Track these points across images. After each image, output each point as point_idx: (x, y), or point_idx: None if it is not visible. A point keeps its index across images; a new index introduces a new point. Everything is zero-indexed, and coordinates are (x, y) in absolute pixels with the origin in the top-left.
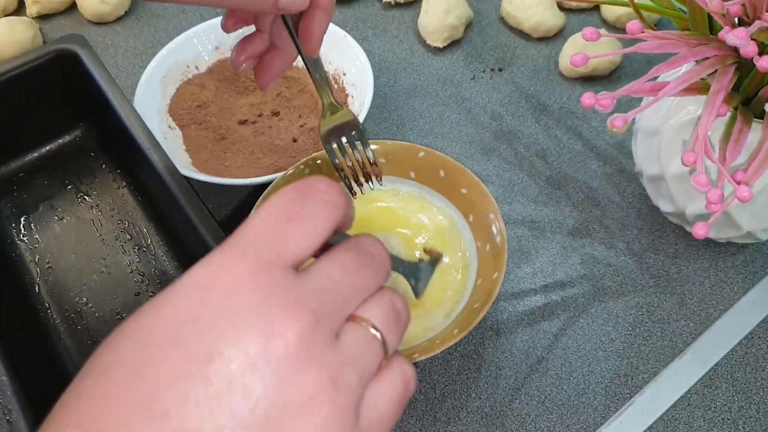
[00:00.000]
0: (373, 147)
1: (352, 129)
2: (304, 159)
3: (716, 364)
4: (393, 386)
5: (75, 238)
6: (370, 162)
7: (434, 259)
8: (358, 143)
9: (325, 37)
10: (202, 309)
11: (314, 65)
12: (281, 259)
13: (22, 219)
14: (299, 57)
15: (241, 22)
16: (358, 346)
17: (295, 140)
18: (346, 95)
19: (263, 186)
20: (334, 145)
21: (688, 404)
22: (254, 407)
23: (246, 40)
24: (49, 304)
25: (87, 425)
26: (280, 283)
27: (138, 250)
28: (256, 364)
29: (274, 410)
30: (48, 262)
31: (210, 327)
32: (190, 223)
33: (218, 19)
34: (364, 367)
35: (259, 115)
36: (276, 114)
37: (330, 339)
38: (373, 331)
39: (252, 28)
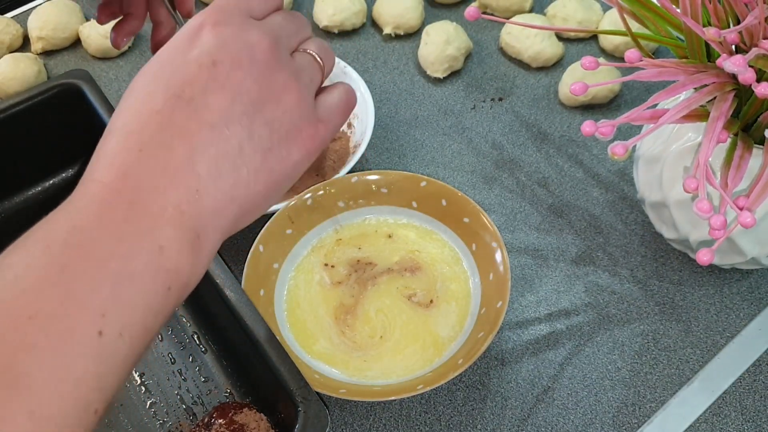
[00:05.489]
0: (374, 177)
1: None
2: (306, 189)
3: (724, 392)
4: (339, 93)
5: None
6: None
7: None
8: None
9: None
10: (193, 45)
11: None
12: (248, 11)
13: None
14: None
15: (113, 15)
16: (305, 61)
17: None
18: (348, 125)
19: (266, 216)
20: None
21: None
22: (249, 88)
23: (123, 22)
24: None
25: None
26: (250, 20)
27: None
28: (245, 65)
29: (263, 91)
30: None
31: (210, 49)
32: None
33: None
34: (312, 74)
35: None
36: None
37: (288, 54)
38: (313, 53)
39: None
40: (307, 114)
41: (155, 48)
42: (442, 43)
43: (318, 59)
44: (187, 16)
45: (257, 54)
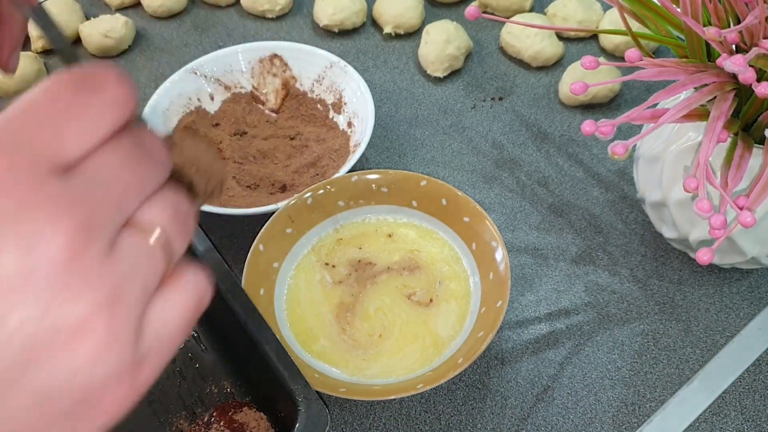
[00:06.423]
0: (375, 176)
1: None
2: (306, 189)
3: (724, 392)
4: (183, 302)
5: None
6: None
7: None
8: None
9: (327, 67)
10: None
11: (40, 18)
12: (50, 157)
13: None
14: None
15: None
16: (137, 255)
17: (296, 171)
18: (348, 124)
19: (266, 216)
20: None
21: None
22: (10, 338)
23: None
24: None
25: None
26: (45, 186)
27: None
28: (13, 286)
29: (37, 341)
30: None
31: None
32: (193, 255)
33: (220, 52)
34: (145, 279)
35: (263, 148)
36: (278, 148)
37: (105, 250)
38: (155, 236)
39: None
40: (122, 360)
41: (1, 56)
42: (442, 42)
43: (162, 242)
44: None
45: (44, 258)
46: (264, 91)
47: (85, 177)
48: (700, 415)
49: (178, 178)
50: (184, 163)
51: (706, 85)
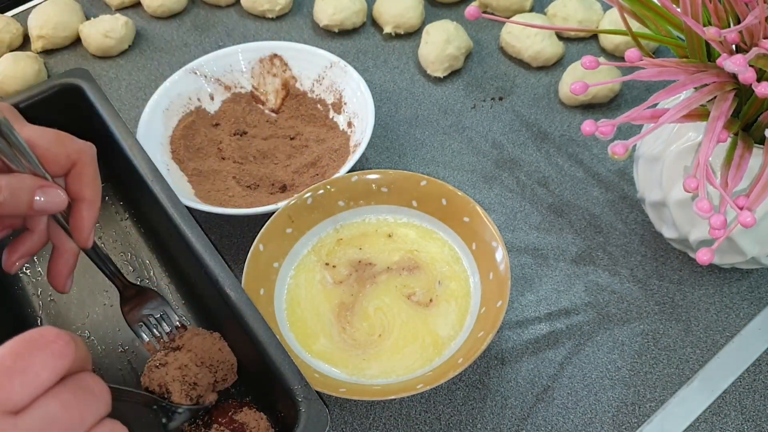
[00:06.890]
0: (374, 176)
1: (157, 305)
2: (306, 189)
3: (724, 392)
4: None
5: (78, 270)
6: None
7: (200, 405)
8: (166, 319)
9: (327, 67)
10: None
11: (93, 254)
12: (2, 405)
13: None
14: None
15: (7, 228)
16: None
17: (296, 171)
18: (348, 124)
19: (266, 216)
20: (143, 335)
21: None
22: None
23: (18, 240)
24: None
25: None
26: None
27: (141, 282)
28: None
29: None
30: (50, 295)
31: None
32: (193, 254)
33: (219, 52)
34: None
35: (263, 147)
36: (278, 148)
37: None
38: None
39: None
40: None
41: (56, 280)
42: (442, 42)
43: None
44: (83, 245)
45: None
46: (264, 91)
47: (32, 417)
48: (700, 415)
49: (185, 373)
50: (191, 360)
51: (706, 85)
